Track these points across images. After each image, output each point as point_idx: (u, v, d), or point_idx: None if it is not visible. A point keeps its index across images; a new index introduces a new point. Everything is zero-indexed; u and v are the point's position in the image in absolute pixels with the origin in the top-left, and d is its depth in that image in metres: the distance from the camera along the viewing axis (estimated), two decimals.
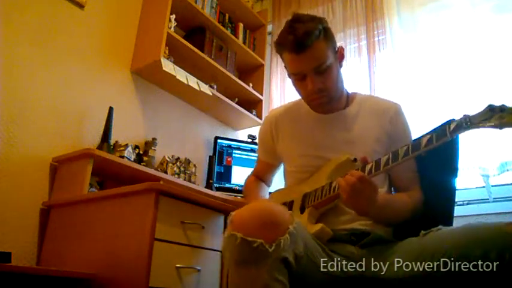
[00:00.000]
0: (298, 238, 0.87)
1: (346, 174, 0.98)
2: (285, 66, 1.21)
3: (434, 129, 0.93)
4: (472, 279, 0.82)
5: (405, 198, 1.16)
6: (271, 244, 0.79)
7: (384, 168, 0.97)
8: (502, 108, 0.80)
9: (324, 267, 0.96)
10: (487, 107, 0.83)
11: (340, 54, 1.21)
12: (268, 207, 0.85)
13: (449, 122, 0.90)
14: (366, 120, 1.22)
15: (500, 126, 0.80)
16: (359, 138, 1.19)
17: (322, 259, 0.96)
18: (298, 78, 1.16)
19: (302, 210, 1.14)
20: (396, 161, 0.96)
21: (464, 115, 0.86)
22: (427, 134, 0.94)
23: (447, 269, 0.85)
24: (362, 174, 0.96)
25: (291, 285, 0.85)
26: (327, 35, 1.14)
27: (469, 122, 0.85)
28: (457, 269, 0.84)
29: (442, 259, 0.87)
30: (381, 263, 1.00)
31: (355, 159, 1.12)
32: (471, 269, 0.82)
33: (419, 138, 0.95)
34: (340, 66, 1.22)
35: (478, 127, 0.84)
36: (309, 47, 1.09)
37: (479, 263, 0.80)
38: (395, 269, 0.96)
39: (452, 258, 0.85)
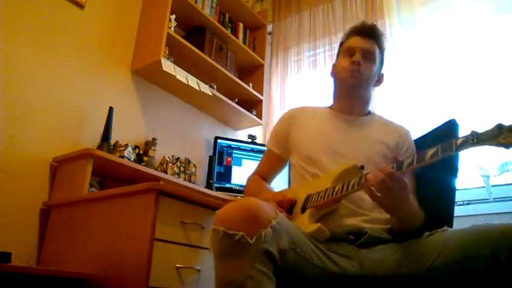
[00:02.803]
0: (282, 232, 0.88)
1: (374, 171, 0.97)
2: (339, 52, 1.40)
3: (443, 143, 0.91)
4: (478, 280, 0.82)
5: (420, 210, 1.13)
6: (252, 236, 0.81)
7: (407, 169, 0.94)
8: (511, 128, 0.79)
9: (319, 262, 0.96)
10: (496, 126, 0.81)
11: (379, 78, 1.39)
12: (251, 203, 0.87)
13: (453, 131, 0.89)
14: (378, 128, 1.33)
15: (507, 146, 0.79)
16: (369, 139, 1.27)
17: (316, 256, 0.96)
18: (347, 54, 1.33)
19: (303, 210, 1.14)
20: (422, 161, 0.92)
21: (472, 131, 0.85)
22: (433, 147, 0.91)
23: (452, 268, 0.85)
24: (391, 171, 0.94)
25: (284, 281, 0.87)
26: (383, 53, 1.38)
27: (475, 139, 0.83)
28: (463, 269, 0.84)
29: (447, 259, 0.87)
30: (381, 262, 1.00)
31: (362, 167, 1.13)
32: (478, 269, 0.82)
33: (426, 150, 0.92)
34: (375, 85, 1.39)
35: (485, 144, 0.82)
36: (375, 39, 1.34)
37: (488, 263, 0.80)
38: (397, 268, 0.96)
39: (459, 258, 0.85)
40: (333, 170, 1.17)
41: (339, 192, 1.06)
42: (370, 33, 1.34)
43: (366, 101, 1.37)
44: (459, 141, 0.85)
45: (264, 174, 1.46)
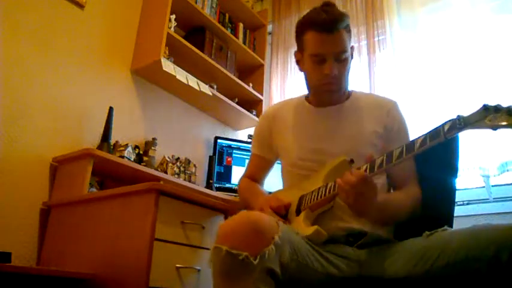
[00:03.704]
0: (285, 246, 0.87)
1: (344, 173, 0.98)
2: (301, 48, 1.24)
3: (431, 130, 0.92)
4: (480, 280, 0.82)
5: (402, 196, 1.15)
6: (256, 256, 0.79)
7: (379, 170, 0.96)
8: (497, 109, 0.77)
9: (320, 267, 0.95)
10: (481, 107, 0.80)
11: (351, 53, 1.24)
12: (253, 218, 0.85)
13: (444, 124, 0.87)
14: (363, 113, 1.23)
15: (494, 127, 0.77)
16: (357, 131, 1.20)
17: (316, 261, 0.96)
18: (316, 61, 1.17)
19: (298, 213, 1.13)
20: (390, 162, 0.94)
21: (458, 115, 0.83)
22: (422, 135, 0.92)
23: (454, 269, 0.85)
24: (362, 174, 0.94)
25: None
26: (350, 30, 1.20)
27: (462, 123, 0.82)
28: (465, 270, 0.84)
29: (449, 260, 0.86)
30: (381, 263, 0.99)
31: (352, 161, 1.11)
32: (480, 269, 0.81)
33: (415, 139, 0.93)
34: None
35: (472, 128, 0.81)
36: (338, 31, 1.13)
37: (490, 263, 0.80)
38: (396, 269, 0.96)
39: (461, 259, 0.84)
40: (323, 168, 1.15)
41: (331, 190, 1.05)
42: (336, 26, 1.12)
43: (345, 90, 1.26)
44: (447, 127, 0.84)
45: (253, 177, 1.45)
